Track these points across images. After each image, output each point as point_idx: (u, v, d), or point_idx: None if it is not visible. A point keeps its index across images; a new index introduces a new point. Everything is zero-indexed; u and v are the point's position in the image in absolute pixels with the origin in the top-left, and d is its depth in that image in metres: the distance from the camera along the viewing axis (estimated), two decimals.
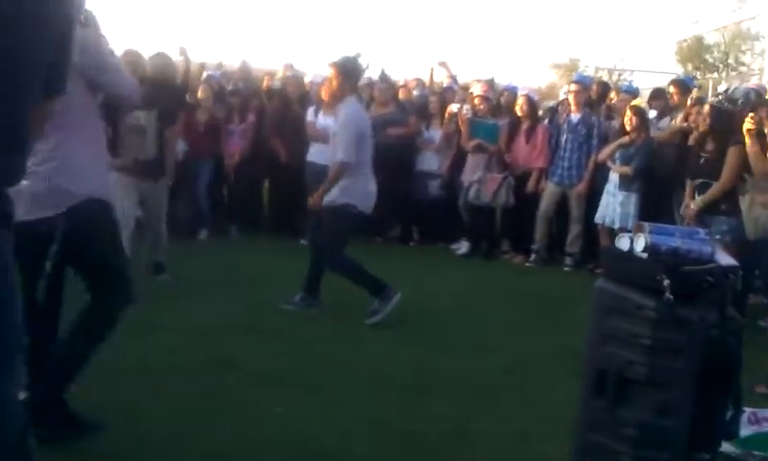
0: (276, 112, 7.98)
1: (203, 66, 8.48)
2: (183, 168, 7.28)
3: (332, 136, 5.29)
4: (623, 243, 2.79)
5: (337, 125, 5.15)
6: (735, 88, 7.14)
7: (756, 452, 3.21)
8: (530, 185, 7.58)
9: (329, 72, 5.12)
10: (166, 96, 5.51)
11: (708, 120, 5.30)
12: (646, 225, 2.79)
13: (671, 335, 2.57)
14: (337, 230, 5.06)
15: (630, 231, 3.02)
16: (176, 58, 6.34)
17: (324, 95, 7.55)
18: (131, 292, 3.06)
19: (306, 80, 9.29)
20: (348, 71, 5.09)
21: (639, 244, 2.71)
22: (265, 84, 9.44)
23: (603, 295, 2.74)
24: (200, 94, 7.58)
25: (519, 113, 7.73)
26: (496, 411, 3.70)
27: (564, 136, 7.42)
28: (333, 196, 5.03)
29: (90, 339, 2.97)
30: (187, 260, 6.30)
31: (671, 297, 2.53)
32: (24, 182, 2.01)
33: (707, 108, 5.51)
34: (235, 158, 7.85)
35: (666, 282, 2.54)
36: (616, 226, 6.70)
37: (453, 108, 7.92)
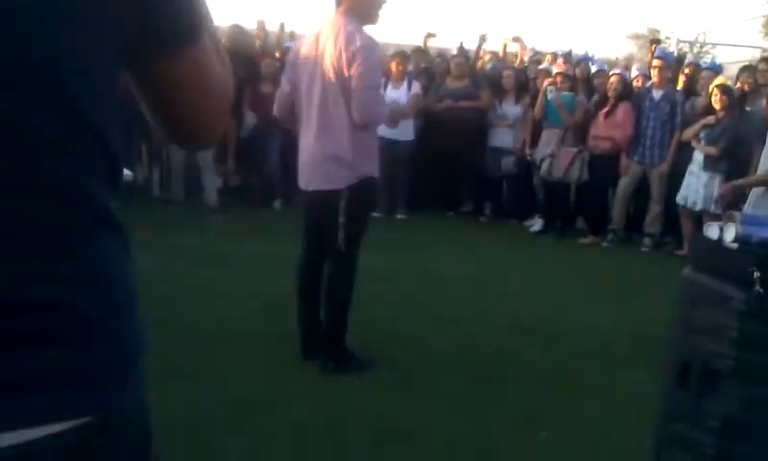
0: None
1: (282, 27, 8.80)
2: (253, 140, 7.38)
3: None
4: (712, 232, 2.70)
5: None
6: None
7: None
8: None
9: None
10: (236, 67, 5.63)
11: None
12: (737, 214, 2.70)
13: (760, 329, 2.50)
14: None
15: (716, 216, 2.93)
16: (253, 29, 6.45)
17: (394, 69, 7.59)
18: None
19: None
20: None
21: (729, 234, 2.63)
22: None
23: (690, 285, 2.68)
24: (264, 67, 7.64)
25: (611, 93, 7.33)
26: (572, 399, 3.63)
27: (646, 114, 7.20)
28: None
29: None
30: (259, 231, 6.41)
31: (761, 290, 2.46)
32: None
33: None
34: None
35: (757, 275, 2.46)
36: (698, 207, 6.52)
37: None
